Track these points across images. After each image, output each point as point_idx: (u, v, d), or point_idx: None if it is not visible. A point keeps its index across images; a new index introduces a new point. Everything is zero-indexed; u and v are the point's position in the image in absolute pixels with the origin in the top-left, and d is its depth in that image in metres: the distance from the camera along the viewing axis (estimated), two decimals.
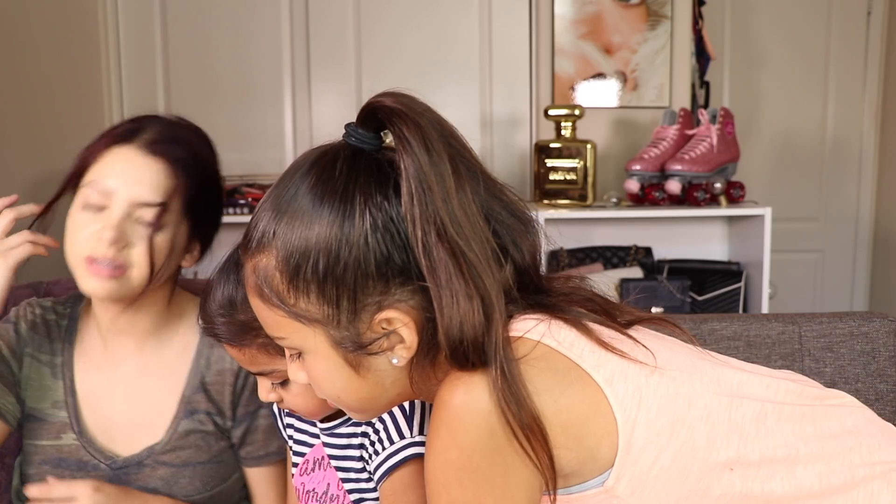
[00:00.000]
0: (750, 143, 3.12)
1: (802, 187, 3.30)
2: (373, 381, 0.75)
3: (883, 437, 0.80)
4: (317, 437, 1.06)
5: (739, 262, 2.50)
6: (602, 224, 2.57)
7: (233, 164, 2.63)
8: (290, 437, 1.11)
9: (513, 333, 0.71)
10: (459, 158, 0.72)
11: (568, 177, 2.38)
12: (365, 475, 1.00)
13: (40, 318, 1.17)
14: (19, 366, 1.14)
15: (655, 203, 2.36)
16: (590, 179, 2.37)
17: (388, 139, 0.73)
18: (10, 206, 1.10)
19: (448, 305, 0.68)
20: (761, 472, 0.73)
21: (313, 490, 1.05)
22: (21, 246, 1.07)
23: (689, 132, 2.40)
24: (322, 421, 1.04)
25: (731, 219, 2.58)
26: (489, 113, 2.76)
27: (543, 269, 0.79)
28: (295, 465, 1.10)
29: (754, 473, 0.73)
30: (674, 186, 2.32)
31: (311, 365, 0.77)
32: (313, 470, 1.06)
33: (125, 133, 1.06)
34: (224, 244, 1.07)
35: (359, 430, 1.00)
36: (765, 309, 2.34)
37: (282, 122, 2.72)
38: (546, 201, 2.41)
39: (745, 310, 2.42)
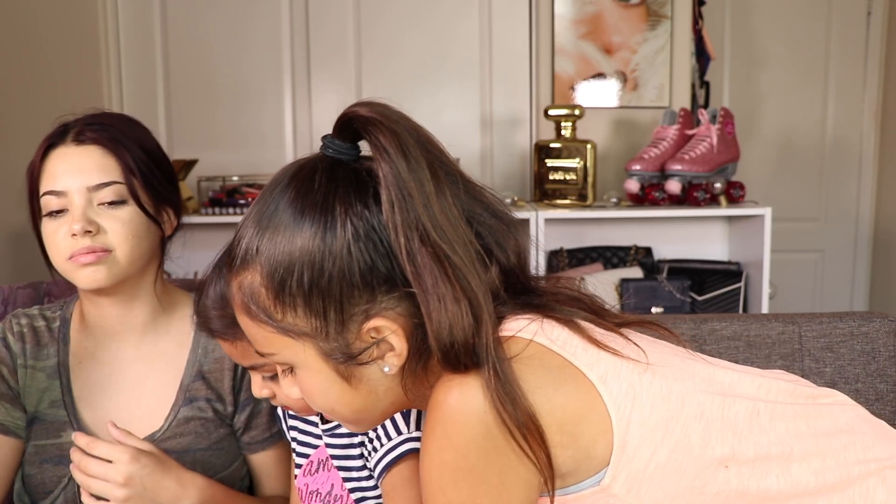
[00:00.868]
0: (750, 143, 3.12)
1: (802, 187, 3.30)
2: (366, 392, 0.75)
3: (876, 434, 0.81)
4: (321, 437, 1.06)
5: (739, 262, 2.50)
6: (602, 224, 2.57)
7: (233, 164, 2.65)
8: (294, 438, 1.11)
9: (505, 333, 0.71)
10: (438, 163, 0.72)
11: (568, 177, 2.38)
12: (366, 473, 1.01)
13: (27, 326, 1.18)
14: (15, 379, 1.15)
15: (655, 203, 2.36)
16: (590, 179, 2.37)
17: (367, 148, 0.74)
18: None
19: (436, 310, 0.68)
20: (756, 470, 0.73)
21: (317, 491, 1.06)
22: None
23: (689, 132, 2.40)
24: (323, 422, 1.04)
25: (731, 219, 2.58)
26: (489, 113, 2.76)
27: (542, 269, 0.79)
28: (298, 466, 1.10)
29: (749, 471, 0.73)
30: (674, 186, 2.32)
31: (302, 379, 0.76)
32: (317, 471, 1.07)
33: (55, 136, 1.12)
34: (221, 243, 1.07)
35: None
36: (765, 309, 2.34)
37: (282, 123, 2.72)
38: (546, 201, 2.41)
39: (745, 310, 2.42)
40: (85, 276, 1.08)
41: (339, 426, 1.02)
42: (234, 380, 1.19)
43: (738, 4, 3.17)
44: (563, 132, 2.39)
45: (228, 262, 0.76)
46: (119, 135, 1.12)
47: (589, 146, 2.36)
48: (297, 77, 2.70)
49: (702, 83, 2.78)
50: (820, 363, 1.35)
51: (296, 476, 1.11)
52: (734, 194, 2.38)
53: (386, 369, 0.74)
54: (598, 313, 0.78)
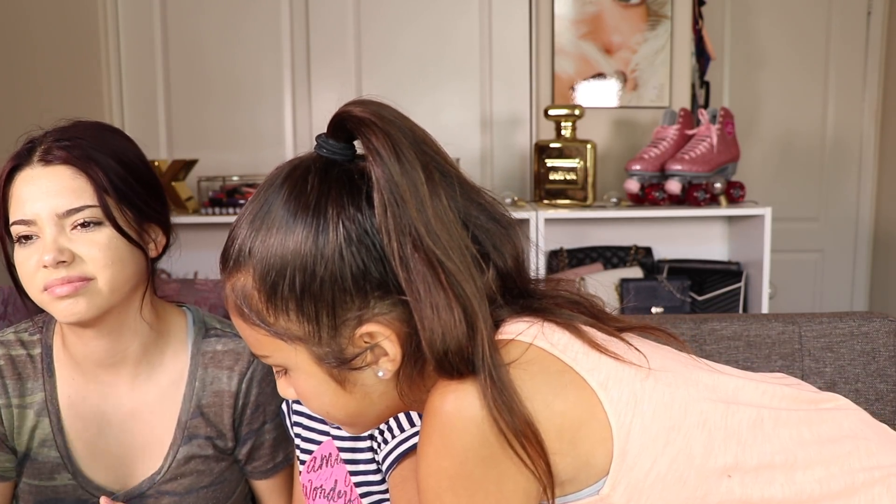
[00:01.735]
0: (750, 143, 3.12)
1: (802, 187, 3.30)
2: (360, 396, 0.74)
3: (879, 439, 0.79)
4: (325, 434, 1.06)
5: (739, 262, 2.50)
6: (602, 224, 2.57)
7: (233, 163, 2.65)
8: (298, 435, 1.11)
9: (504, 336, 0.70)
10: (433, 165, 0.70)
11: (568, 177, 2.38)
12: (373, 467, 1.01)
13: (5, 358, 1.08)
14: (1, 421, 1.08)
15: (655, 203, 2.36)
16: (590, 179, 2.37)
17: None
18: None
19: (429, 318, 0.67)
20: (760, 479, 0.71)
21: (321, 486, 1.06)
22: None
23: (689, 132, 2.40)
24: None
25: (731, 219, 2.58)
26: (489, 113, 2.76)
27: (541, 271, 0.78)
28: (302, 462, 1.10)
29: (753, 480, 0.71)
30: (674, 186, 2.32)
31: (297, 381, 0.75)
32: (321, 467, 1.07)
33: (20, 156, 1.01)
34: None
35: None
36: (765, 309, 2.34)
37: (281, 122, 2.72)
38: (546, 201, 2.41)
39: (745, 310, 2.42)
40: (63, 310, 0.98)
41: None
42: (233, 415, 1.12)
43: (738, 4, 3.17)
44: (563, 132, 2.39)
45: (222, 263, 0.75)
46: (91, 149, 1.00)
47: (589, 146, 2.36)
48: (297, 77, 2.70)
49: (702, 83, 2.78)
50: (820, 363, 1.35)
51: (300, 472, 1.11)
52: (734, 194, 2.38)
53: (380, 374, 0.72)
54: (598, 317, 0.76)
